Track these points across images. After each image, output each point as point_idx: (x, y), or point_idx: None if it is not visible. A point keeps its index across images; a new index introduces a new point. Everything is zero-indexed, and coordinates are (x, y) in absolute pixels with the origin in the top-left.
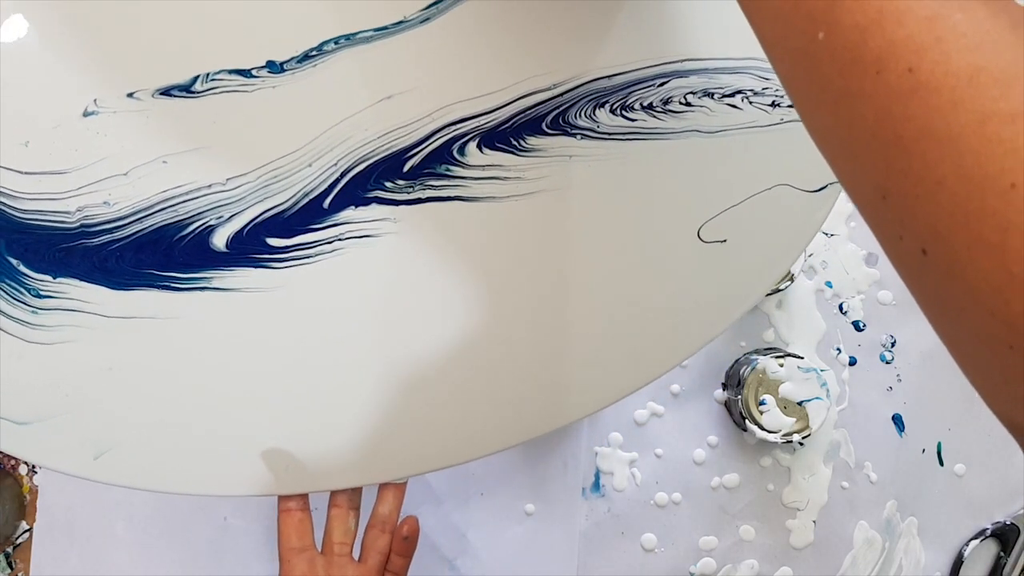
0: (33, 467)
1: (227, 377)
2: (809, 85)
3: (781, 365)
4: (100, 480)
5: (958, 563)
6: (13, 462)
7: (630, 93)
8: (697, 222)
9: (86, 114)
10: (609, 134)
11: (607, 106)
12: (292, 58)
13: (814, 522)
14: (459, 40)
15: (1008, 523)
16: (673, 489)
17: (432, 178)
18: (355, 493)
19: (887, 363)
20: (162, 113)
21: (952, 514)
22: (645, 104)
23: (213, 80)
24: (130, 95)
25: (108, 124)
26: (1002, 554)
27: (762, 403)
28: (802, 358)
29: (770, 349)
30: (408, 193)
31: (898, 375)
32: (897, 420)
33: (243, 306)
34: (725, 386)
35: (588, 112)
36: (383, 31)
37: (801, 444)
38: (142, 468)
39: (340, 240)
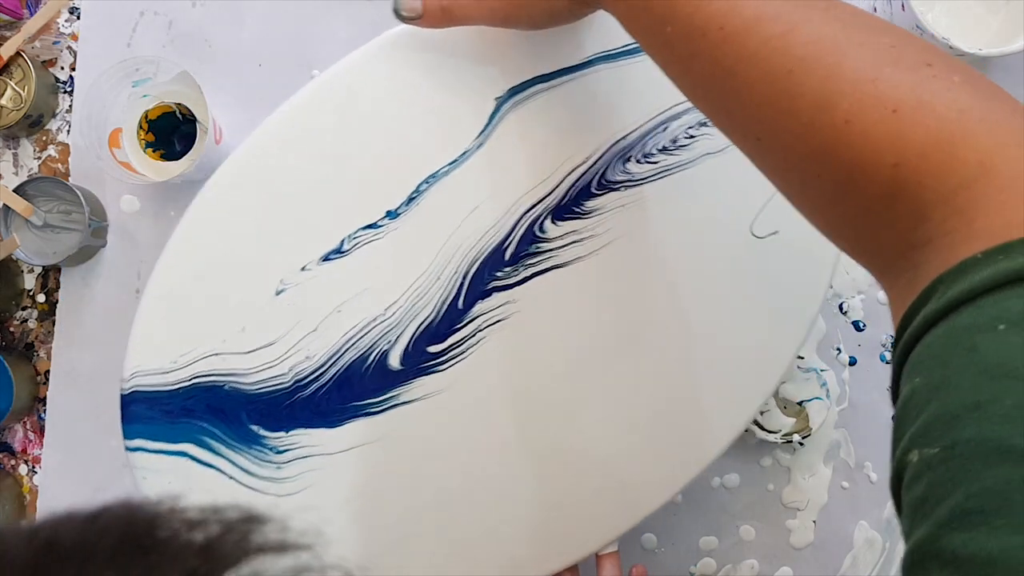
0: (33, 467)
1: (438, 483)
2: (669, 58)
3: None
4: None
5: None
6: (13, 462)
7: (645, 143)
8: (746, 224)
9: (278, 293)
10: (644, 179)
11: (632, 159)
12: (401, 203)
13: (814, 522)
14: (509, 150)
15: None
16: None
17: (529, 257)
18: (573, 571)
19: (887, 363)
20: (328, 274)
21: None
22: (659, 148)
23: (354, 238)
24: (303, 268)
25: (294, 295)
26: None
27: None
28: (802, 358)
29: None
30: (515, 276)
31: None
32: None
33: (429, 412)
34: None
35: (620, 168)
36: (454, 163)
37: (801, 444)
38: None
39: (481, 331)
